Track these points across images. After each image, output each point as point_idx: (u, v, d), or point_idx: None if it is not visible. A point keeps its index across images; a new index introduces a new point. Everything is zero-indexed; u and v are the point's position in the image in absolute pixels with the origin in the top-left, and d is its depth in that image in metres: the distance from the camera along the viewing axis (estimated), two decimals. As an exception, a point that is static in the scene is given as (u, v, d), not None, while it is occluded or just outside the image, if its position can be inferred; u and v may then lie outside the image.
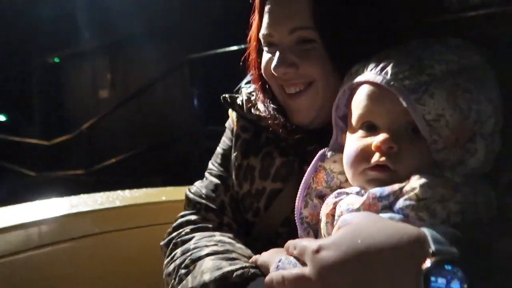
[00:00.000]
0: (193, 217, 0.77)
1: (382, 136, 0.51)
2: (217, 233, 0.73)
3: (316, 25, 0.63)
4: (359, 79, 0.55)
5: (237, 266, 0.62)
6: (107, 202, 1.14)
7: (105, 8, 4.89)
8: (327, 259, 0.44)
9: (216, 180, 0.79)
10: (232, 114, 0.81)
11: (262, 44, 0.70)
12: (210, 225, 0.75)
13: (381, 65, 0.53)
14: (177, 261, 0.70)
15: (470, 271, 0.41)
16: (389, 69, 0.52)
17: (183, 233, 0.75)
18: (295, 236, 0.68)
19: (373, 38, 0.62)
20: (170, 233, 0.77)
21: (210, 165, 0.82)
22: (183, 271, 0.67)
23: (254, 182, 0.73)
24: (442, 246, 0.41)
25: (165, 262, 0.73)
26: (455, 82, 0.49)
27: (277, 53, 0.66)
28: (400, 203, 0.47)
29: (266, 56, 0.70)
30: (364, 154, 0.53)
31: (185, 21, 4.25)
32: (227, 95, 0.78)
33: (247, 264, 0.63)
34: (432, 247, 0.41)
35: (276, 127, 0.71)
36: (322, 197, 0.59)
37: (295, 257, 0.52)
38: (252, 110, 0.75)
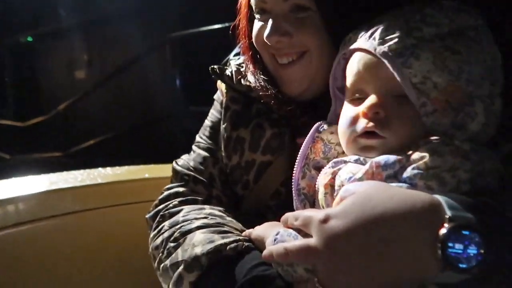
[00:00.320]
0: (181, 189, 0.75)
1: (368, 102, 0.51)
2: (206, 206, 0.71)
3: None
4: (351, 47, 0.55)
5: (231, 239, 0.61)
6: (88, 179, 1.10)
7: (81, -17, 4.68)
8: (335, 228, 0.42)
9: (204, 153, 0.77)
10: (221, 85, 0.78)
11: (254, 11, 0.68)
12: (199, 198, 0.73)
13: (370, 31, 0.53)
14: (165, 234, 0.67)
15: (486, 236, 0.40)
16: (377, 34, 0.51)
17: (171, 205, 0.72)
18: (284, 209, 0.66)
19: (370, 6, 0.59)
20: (157, 206, 0.75)
21: (197, 138, 0.80)
22: (172, 244, 0.65)
23: (244, 154, 0.72)
24: (458, 212, 0.41)
25: (152, 235, 0.71)
26: (443, 44, 0.48)
27: (270, 21, 0.64)
28: (408, 172, 0.46)
29: (258, 24, 0.67)
30: (353, 122, 0.53)
31: (166, -2, 4.12)
32: (215, 66, 0.76)
33: (241, 238, 0.62)
34: (448, 213, 0.40)
35: (267, 98, 0.69)
36: (319, 168, 0.58)
37: (295, 230, 0.50)
38: (242, 81, 0.73)
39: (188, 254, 0.61)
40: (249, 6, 0.70)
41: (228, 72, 0.75)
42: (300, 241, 0.46)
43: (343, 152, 0.58)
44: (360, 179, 0.49)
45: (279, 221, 0.63)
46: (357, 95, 0.54)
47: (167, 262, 0.64)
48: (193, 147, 0.80)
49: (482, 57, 0.49)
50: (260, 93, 0.70)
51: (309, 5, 0.62)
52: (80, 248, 1.02)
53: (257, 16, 0.68)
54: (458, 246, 0.40)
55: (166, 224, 0.69)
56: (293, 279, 0.50)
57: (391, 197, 0.42)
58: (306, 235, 0.48)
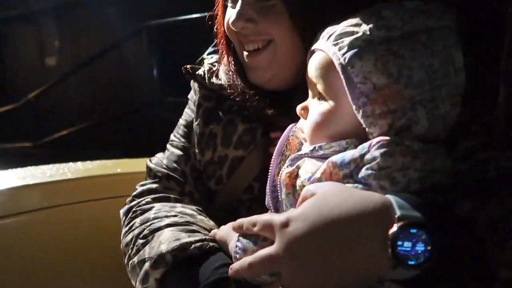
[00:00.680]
0: (154, 186, 0.76)
1: (302, 103, 0.57)
2: (178, 205, 0.72)
3: None
4: (313, 47, 0.57)
5: (196, 238, 0.62)
6: (57, 175, 1.08)
7: (51, -35, 4.47)
8: (296, 232, 0.44)
9: (177, 151, 0.78)
10: (194, 85, 0.80)
11: None
12: (172, 195, 0.74)
13: (329, 33, 0.54)
14: (136, 231, 0.68)
15: (433, 233, 0.42)
16: (333, 36, 0.53)
17: (143, 202, 0.73)
18: (257, 203, 0.70)
19: (336, 2, 0.61)
20: (130, 202, 0.76)
21: (172, 137, 0.82)
22: (141, 241, 0.66)
23: (217, 150, 0.73)
24: (407, 211, 0.43)
25: (123, 232, 0.72)
26: (388, 48, 0.50)
27: (237, 7, 0.65)
28: (362, 172, 0.48)
29: (229, 11, 0.69)
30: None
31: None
32: (188, 66, 0.77)
33: (207, 237, 0.63)
34: (398, 213, 0.43)
35: (236, 94, 0.70)
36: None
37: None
38: (215, 80, 0.74)
39: (154, 251, 0.63)
40: None
41: (200, 71, 0.76)
42: (262, 252, 0.47)
43: None
44: (319, 179, 0.51)
45: (251, 215, 0.65)
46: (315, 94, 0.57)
47: (135, 258, 0.65)
48: (168, 145, 0.81)
49: (428, 62, 0.50)
50: (229, 90, 0.71)
51: None
52: (49, 246, 1.00)
53: (229, 4, 0.69)
54: (407, 244, 0.42)
55: (137, 221, 0.70)
56: (257, 283, 0.51)
57: (346, 199, 0.45)
58: (266, 238, 0.49)
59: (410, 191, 0.47)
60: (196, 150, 0.75)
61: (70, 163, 1.18)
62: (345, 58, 0.50)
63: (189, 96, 0.83)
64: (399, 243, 0.42)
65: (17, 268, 0.96)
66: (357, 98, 0.50)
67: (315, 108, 0.56)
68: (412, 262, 0.42)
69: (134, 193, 0.77)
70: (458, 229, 0.46)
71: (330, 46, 0.53)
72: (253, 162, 0.71)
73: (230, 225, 0.61)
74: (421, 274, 0.43)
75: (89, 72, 4.42)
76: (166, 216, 0.68)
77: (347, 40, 0.51)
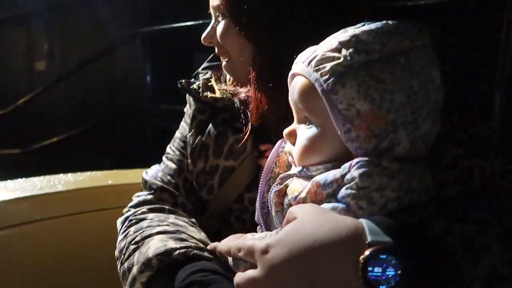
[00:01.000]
0: (149, 197, 0.79)
1: (289, 128, 0.58)
2: (172, 216, 0.76)
3: (222, 2, 0.68)
4: (292, 71, 0.58)
5: (182, 245, 0.65)
6: (48, 187, 1.08)
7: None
8: (275, 258, 0.47)
9: (172, 164, 0.81)
10: (189, 98, 0.83)
11: None
12: (166, 206, 0.78)
13: (310, 57, 0.54)
14: (129, 238, 0.72)
15: (403, 258, 0.44)
16: (314, 61, 0.53)
17: (139, 212, 0.77)
18: (247, 213, 0.73)
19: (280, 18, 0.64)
20: (127, 212, 0.79)
21: (167, 149, 0.85)
22: (132, 247, 0.69)
23: (208, 160, 0.76)
24: (377, 237, 0.45)
25: (119, 239, 0.75)
26: (369, 73, 0.50)
27: (210, 24, 0.73)
28: (342, 192, 0.50)
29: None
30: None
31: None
32: (183, 81, 0.81)
33: (193, 245, 0.66)
34: (368, 238, 0.44)
35: (229, 106, 0.75)
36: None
37: None
38: (209, 94, 0.77)
39: (142, 257, 0.66)
40: None
41: (195, 85, 0.79)
42: (247, 274, 0.50)
43: None
44: (305, 199, 0.53)
45: (241, 224, 0.72)
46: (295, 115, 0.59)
47: (126, 264, 0.68)
48: (163, 157, 0.85)
49: (408, 84, 0.51)
50: (220, 99, 0.76)
51: (225, 12, 0.68)
52: (40, 259, 1.00)
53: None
54: (377, 270, 0.43)
55: (132, 229, 0.74)
56: None
57: (322, 225, 0.47)
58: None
59: (386, 210, 0.49)
60: (189, 161, 0.78)
61: (61, 175, 1.18)
62: (328, 85, 0.51)
63: (184, 110, 0.86)
64: (370, 268, 0.43)
65: (8, 281, 0.96)
66: (341, 124, 0.51)
67: (303, 133, 0.56)
68: (383, 287, 0.44)
69: (131, 203, 0.80)
70: (430, 249, 0.47)
71: (312, 72, 0.53)
72: (243, 172, 0.73)
73: (231, 237, 0.63)
74: None
75: (80, 78, 4.38)
76: (158, 225, 0.72)
77: (328, 66, 0.51)
